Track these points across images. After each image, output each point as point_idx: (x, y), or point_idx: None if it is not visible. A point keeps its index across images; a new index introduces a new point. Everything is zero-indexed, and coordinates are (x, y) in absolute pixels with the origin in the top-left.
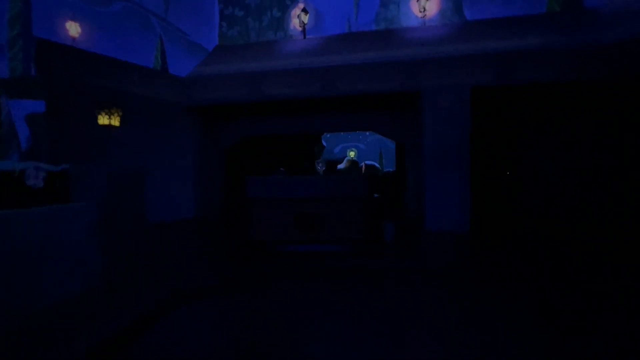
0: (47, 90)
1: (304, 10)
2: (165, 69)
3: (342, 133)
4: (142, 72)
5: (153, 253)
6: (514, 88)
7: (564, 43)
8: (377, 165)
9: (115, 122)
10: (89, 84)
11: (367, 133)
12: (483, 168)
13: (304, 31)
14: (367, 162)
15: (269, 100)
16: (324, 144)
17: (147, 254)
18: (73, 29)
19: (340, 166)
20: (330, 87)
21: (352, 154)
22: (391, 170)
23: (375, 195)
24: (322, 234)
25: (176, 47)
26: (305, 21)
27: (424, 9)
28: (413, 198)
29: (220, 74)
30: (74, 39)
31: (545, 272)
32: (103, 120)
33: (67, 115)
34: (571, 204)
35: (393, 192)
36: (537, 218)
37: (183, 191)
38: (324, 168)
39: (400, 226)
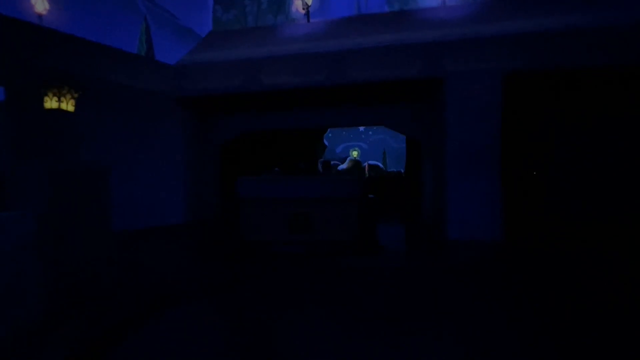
0: None
1: None
2: (151, 55)
3: (344, 132)
4: (121, 57)
5: (118, 266)
6: (555, 74)
7: (617, 19)
8: (380, 165)
9: (68, 106)
10: (43, 66)
11: (370, 132)
12: (510, 166)
13: (307, 14)
14: (370, 162)
15: (269, 91)
16: (326, 143)
17: (108, 268)
18: (40, 4)
19: (343, 166)
20: (337, 75)
21: (355, 153)
22: (395, 170)
23: (370, 196)
24: (314, 234)
25: (164, 32)
26: (309, 3)
27: None
28: (430, 201)
29: (214, 61)
30: (40, 16)
31: (614, 295)
32: (51, 103)
33: (14, 103)
34: (612, 206)
35: (401, 194)
36: (574, 221)
37: (172, 193)
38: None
39: (412, 230)
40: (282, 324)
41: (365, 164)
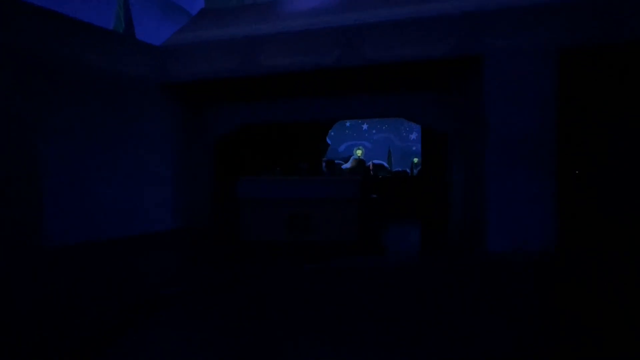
0: None
1: None
2: (130, 34)
3: (347, 130)
4: (92, 32)
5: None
6: (625, 51)
7: None
8: (385, 164)
9: None
10: None
11: (374, 130)
12: (565, 164)
13: None
14: (374, 161)
15: (269, 75)
16: (328, 141)
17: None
18: None
19: (346, 165)
20: (352, 54)
21: (359, 152)
22: (400, 169)
23: (373, 196)
24: (314, 235)
25: (146, 7)
26: None
27: None
28: (460, 204)
29: (205, 41)
30: None
31: None
32: None
33: None
34: None
35: (414, 195)
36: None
37: (157, 195)
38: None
39: (430, 235)
40: (281, 325)
41: (370, 163)
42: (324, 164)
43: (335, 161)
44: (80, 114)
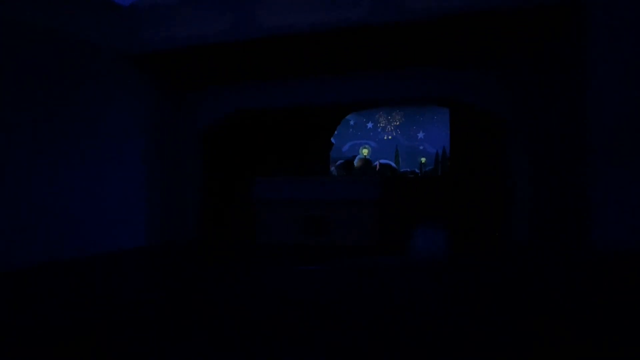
0: None
1: None
2: None
3: (351, 129)
4: None
5: None
6: None
7: None
8: (393, 164)
9: None
10: None
11: (379, 129)
12: None
13: None
14: (381, 160)
15: (271, 38)
16: (333, 141)
17: None
18: None
19: None
20: (389, 4)
21: (365, 151)
22: (408, 170)
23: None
24: (332, 238)
25: None
26: None
27: None
28: (527, 208)
29: None
30: None
31: None
32: None
33: None
34: None
35: (435, 196)
36: None
37: (125, 204)
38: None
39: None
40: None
41: (377, 162)
42: (334, 168)
43: (338, 161)
44: (17, 95)
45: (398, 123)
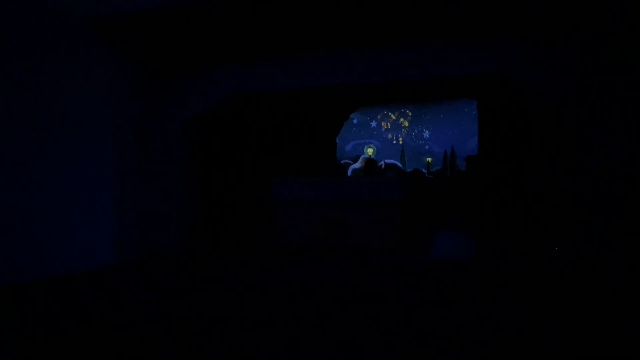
0: None
1: None
2: None
3: (354, 128)
4: None
5: None
6: None
7: None
8: (399, 164)
9: None
10: None
11: (383, 129)
12: None
13: None
14: (387, 160)
15: None
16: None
17: None
18: None
19: (355, 166)
20: None
21: (370, 151)
22: (412, 170)
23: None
24: (353, 240)
25: None
26: None
27: None
28: (600, 201)
29: None
30: None
31: None
32: None
33: None
34: None
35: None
36: None
37: (87, 211)
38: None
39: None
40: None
41: (382, 162)
42: (350, 170)
43: (342, 161)
44: None
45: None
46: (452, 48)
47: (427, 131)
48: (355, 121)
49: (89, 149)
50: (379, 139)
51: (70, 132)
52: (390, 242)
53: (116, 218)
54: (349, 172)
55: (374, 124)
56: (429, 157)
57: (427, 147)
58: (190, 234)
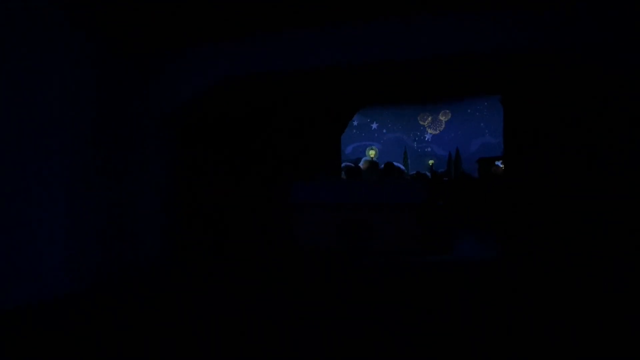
0: None
1: None
2: None
3: (354, 130)
4: None
5: None
6: None
7: None
8: (402, 167)
9: None
10: None
11: (384, 130)
12: None
13: None
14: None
15: None
16: None
17: None
18: None
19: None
20: None
21: (372, 153)
22: (414, 173)
23: (440, 202)
24: (374, 244)
25: None
26: None
27: None
28: None
29: None
30: None
31: None
32: None
33: None
34: None
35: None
36: None
37: (31, 229)
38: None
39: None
40: None
41: (383, 165)
42: (343, 172)
43: (343, 164)
44: None
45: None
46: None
47: (428, 134)
48: (355, 123)
49: (36, 150)
50: (380, 141)
51: (10, 130)
52: (413, 244)
53: (69, 234)
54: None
55: (375, 125)
56: (431, 159)
57: (428, 149)
58: (176, 246)
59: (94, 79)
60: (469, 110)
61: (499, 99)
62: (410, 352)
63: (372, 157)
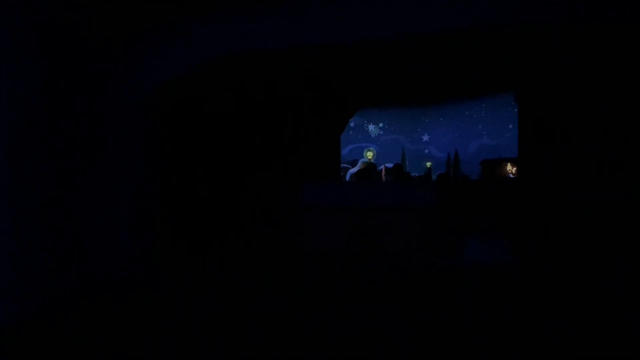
0: None
1: None
2: None
3: (351, 131)
4: None
5: None
6: None
7: None
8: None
9: None
10: None
11: (382, 132)
12: None
13: None
14: (387, 165)
15: None
16: None
17: None
18: None
19: (353, 170)
20: None
21: (369, 154)
22: (417, 174)
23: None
24: (383, 248)
25: None
26: None
27: None
28: None
29: None
30: None
31: None
32: None
33: None
34: None
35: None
36: None
37: None
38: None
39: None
40: None
41: (382, 167)
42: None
43: (341, 165)
44: None
45: None
46: None
47: (426, 134)
48: (352, 124)
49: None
50: (377, 142)
51: None
52: (422, 248)
53: (11, 254)
54: (347, 177)
55: (371, 127)
56: (428, 161)
57: (426, 151)
58: (153, 260)
59: (41, 70)
60: (466, 112)
61: (513, 96)
62: (414, 353)
63: (369, 159)
